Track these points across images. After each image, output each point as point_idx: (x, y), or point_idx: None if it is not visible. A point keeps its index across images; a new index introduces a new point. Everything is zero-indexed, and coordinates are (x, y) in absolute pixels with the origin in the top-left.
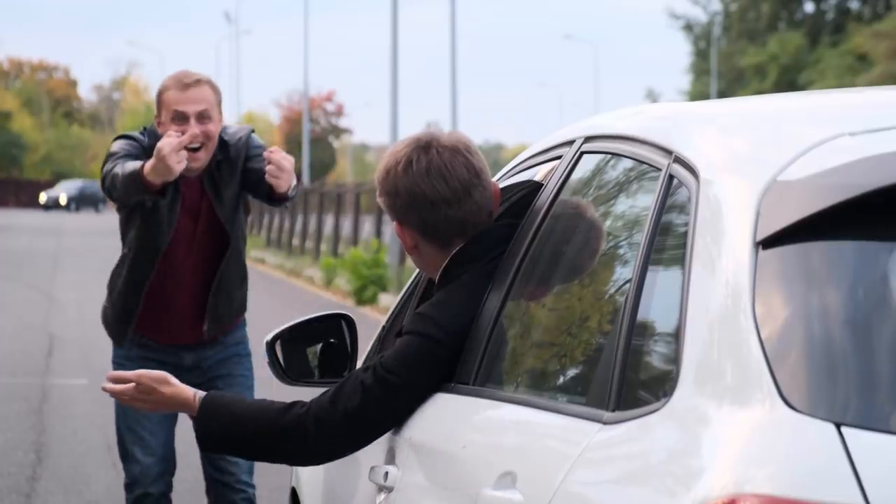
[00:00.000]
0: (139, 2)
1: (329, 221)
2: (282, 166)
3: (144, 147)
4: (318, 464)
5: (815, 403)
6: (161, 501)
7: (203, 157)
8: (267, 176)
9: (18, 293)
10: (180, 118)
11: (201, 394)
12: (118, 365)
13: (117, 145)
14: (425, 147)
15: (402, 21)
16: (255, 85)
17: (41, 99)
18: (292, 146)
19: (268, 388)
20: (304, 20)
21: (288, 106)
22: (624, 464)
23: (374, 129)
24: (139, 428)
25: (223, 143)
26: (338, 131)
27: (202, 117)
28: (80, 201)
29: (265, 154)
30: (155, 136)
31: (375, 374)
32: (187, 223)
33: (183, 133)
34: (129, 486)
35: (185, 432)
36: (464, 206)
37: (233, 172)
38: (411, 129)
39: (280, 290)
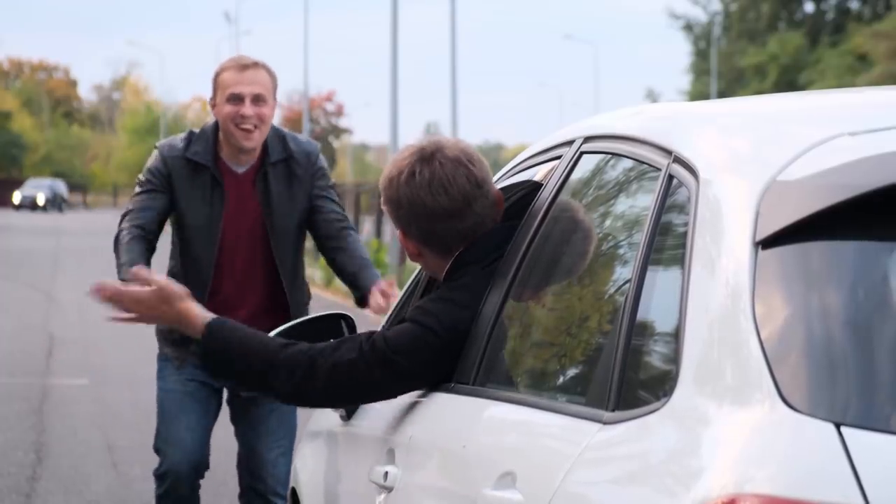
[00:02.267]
0: (139, 2)
1: None
2: (388, 306)
3: (168, 176)
4: (296, 403)
5: (815, 403)
6: (191, 497)
7: (257, 138)
8: (372, 306)
9: (18, 293)
10: (236, 99)
11: (210, 316)
12: (162, 362)
13: (134, 200)
14: (428, 158)
15: (402, 21)
16: None
17: (41, 99)
18: None
19: None
20: (304, 20)
21: (288, 106)
22: (624, 464)
23: (374, 129)
24: (177, 422)
25: (285, 145)
26: (338, 131)
27: (257, 100)
28: (52, 202)
29: (381, 288)
30: (203, 140)
31: (374, 342)
32: (236, 222)
33: (237, 113)
34: (161, 477)
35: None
36: (466, 218)
37: (290, 180)
38: (411, 128)
39: None
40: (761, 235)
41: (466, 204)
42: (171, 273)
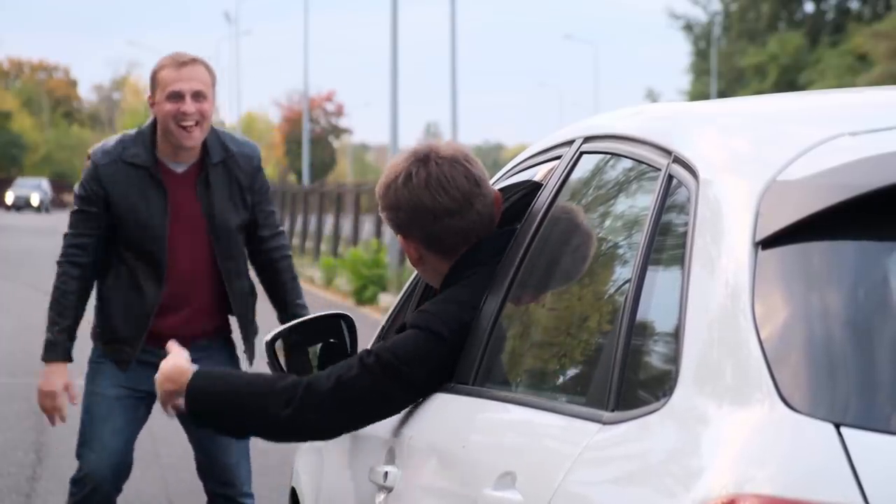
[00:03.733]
0: (139, 2)
1: (329, 221)
2: None
3: (102, 189)
4: (296, 436)
5: (815, 404)
6: (108, 502)
7: (197, 136)
8: None
9: (18, 293)
10: (176, 97)
11: (191, 369)
12: (96, 364)
13: (72, 220)
14: (424, 159)
15: (402, 21)
16: (255, 85)
17: (41, 99)
18: (292, 146)
19: None
20: (304, 20)
21: (288, 106)
22: (624, 464)
23: (374, 129)
24: (102, 427)
25: (225, 146)
26: (338, 131)
27: (197, 96)
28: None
29: None
30: (141, 141)
31: (378, 356)
32: (178, 223)
33: (178, 110)
34: (78, 481)
35: (179, 436)
36: (466, 216)
37: (230, 182)
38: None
39: None
40: (761, 235)
41: (466, 202)
42: (115, 277)
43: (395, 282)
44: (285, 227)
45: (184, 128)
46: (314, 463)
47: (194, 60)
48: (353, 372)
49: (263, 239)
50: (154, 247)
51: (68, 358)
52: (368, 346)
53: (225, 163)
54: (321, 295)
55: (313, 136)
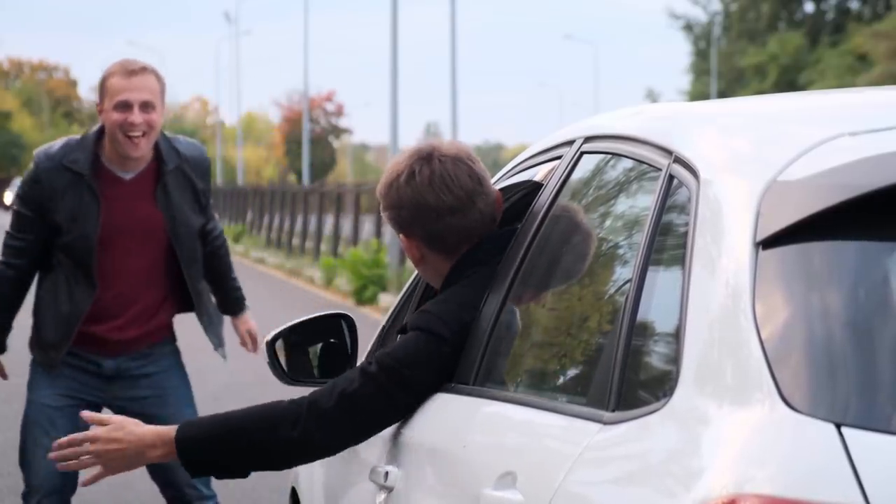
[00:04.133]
0: (139, 2)
1: (329, 221)
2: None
3: (42, 191)
4: (307, 457)
5: (816, 404)
6: None
7: (144, 146)
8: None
9: None
10: (124, 106)
11: (171, 430)
12: (33, 372)
13: (13, 221)
14: (427, 157)
15: (402, 21)
16: (255, 85)
17: (41, 99)
18: (292, 146)
19: (263, 388)
20: (304, 20)
21: (288, 106)
22: (624, 464)
23: (374, 129)
24: (44, 436)
25: (177, 151)
26: (338, 131)
27: (146, 106)
28: None
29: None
30: (84, 147)
31: (380, 363)
32: (119, 229)
33: (125, 120)
34: (26, 496)
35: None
36: (468, 215)
37: (186, 185)
38: (411, 128)
39: (280, 290)
40: (762, 235)
41: (470, 200)
42: (51, 282)
43: (395, 282)
44: (286, 227)
45: (130, 138)
46: (314, 463)
47: (144, 69)
48: (357, 383)
49: (208, 231)
50: (84, 253)
51: (2, 348)
52: (368, 348)
53: (180, 168)
54: (321, 295)
55: (313, 136)
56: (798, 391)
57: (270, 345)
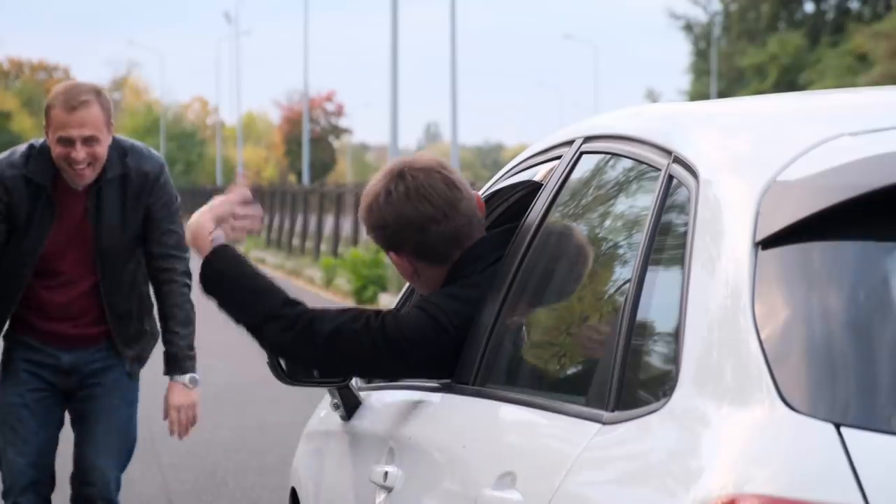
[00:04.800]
0: (139, 2)
1: (329, 221)
2: (181, 429)
3: (5, 197)
4: (284, 357)
5: (815, 404)
6: None
7: (89, 175)
8: (170, 428)
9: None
10: (66, 142)
11: (220, 239)
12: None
13: None
14: (400, 174)
15: (402, 21)
16: (255, 85)
17: (41, 99)
18: (292, 146)
19: (262, 386)
20: (304, 20)
21: (288, 106)
22: (624, 464)
23: (374, 129)
24: (13, 434)
25: (123, 162)
26: (338, 131)
27: (88, 140)
28: None
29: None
30: (43, 158)
31: (385, 324)
32: (65, 237)
33: (68, 155)
34: (4, 494)
35: (176, 440)
36: (452, 221)
37: (123, 197)
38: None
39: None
40: (761, 236)
41: (450, 206)
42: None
43: (395, 282)
44: (286, 227)
45: (75, 169)
46: (314, 463)
47: (85, 102)
48: (357, 325)
49: (153, 256)
50: (24, 263)
51: None
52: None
53: (122, 178)
54: (321, 295)
55: (313, 136)
56: (798, 391)
57: None
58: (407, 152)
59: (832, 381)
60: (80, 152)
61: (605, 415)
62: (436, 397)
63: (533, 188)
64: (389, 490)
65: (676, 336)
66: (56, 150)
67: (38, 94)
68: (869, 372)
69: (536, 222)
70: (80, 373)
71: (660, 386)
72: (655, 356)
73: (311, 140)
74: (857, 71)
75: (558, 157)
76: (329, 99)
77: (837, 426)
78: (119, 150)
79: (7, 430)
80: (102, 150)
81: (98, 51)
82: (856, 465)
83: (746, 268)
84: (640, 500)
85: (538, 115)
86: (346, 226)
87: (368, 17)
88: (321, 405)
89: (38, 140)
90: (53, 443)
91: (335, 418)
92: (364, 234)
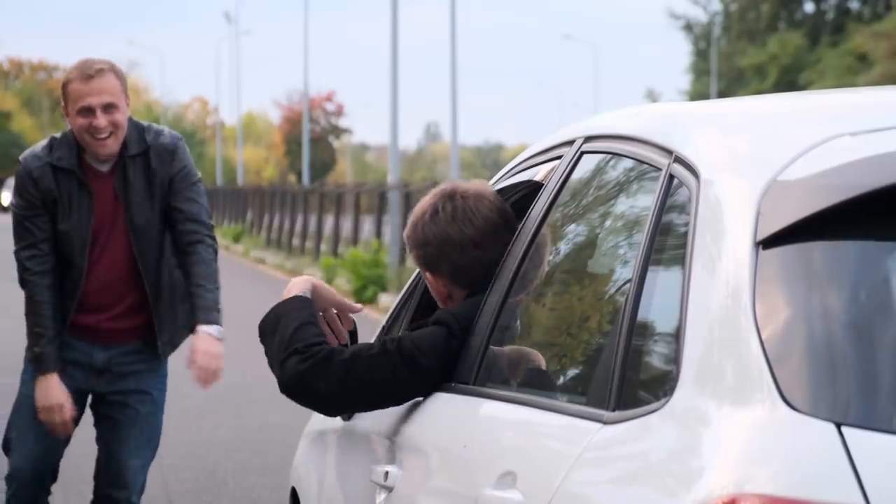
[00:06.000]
0: (139, 2)
1: (329, 221)
2: (206, 376)
3: (38, 189)
4: (301, 396)
5: (816, 403)
6: (36, 502)
7: (112, 145)
8: (194, 375)
9: (18, 293)
10: (86, 112)
11: (306, 294)
12: (28, 366)
13: (20, 231)
14: (450, 195)
15: (402, 21)
16: (255, 85)
17: (41, 99)
18: (292, 146)
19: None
20: (304, 20)
21: (288, 106)
22: (624, 464)
23: (374, 129)
24: (28, 430)
25: (143, 138)
26: (338, 131)
27: (108, 108)
28: None
29: (194, 362)
30: (66, 144)
31: (400, 344)
32: (100, 218)
33: (90, 125)
34: (7, 479)
35: (179, 436)
36: (492, 249)
37: (148, 174)
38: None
39: (280, 291)
40: (762, 235)
41: (493, 232)
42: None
43: (395, 282)
44: (286, 227)
45: (98, 140)
46: (315, 463)
47: (101, 70)
48: (373, 351)
49: (178, 222)
50: (79, 245)
51: (60, 368)
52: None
53: (144, 155)
54: None
55: (313, 136)
56: (798, 391)
57: None
58: (407, 152)
59: (833, 381)
60: (101, 119)
61: (606, 414)
62: (436, 397)
63: (533, 188)
64: (389, 490)
65: (677, 336)
66: (78, 123)
67: (38, 94)
68: (869, 371)
69: (537, 222)
70: (113, 373)
71: (660, 386)
72: (656, 356)
73: (311, 140)
74: (857, 71)
75: (559, 157)
76: (329, 99)
77: (838, 426)
78: (137, 129)
79: (20, 422)
80: (122, 117)
81: (98, 51)
82: (856, 464)
83: (747, 267)
84: (640, 499)
85: (538, 115)
86: (346, 226)
87: (368, 17)
88: None
89: (58, 133)
90: (66, 442)
91: (335, 418)
92: (364, 234)
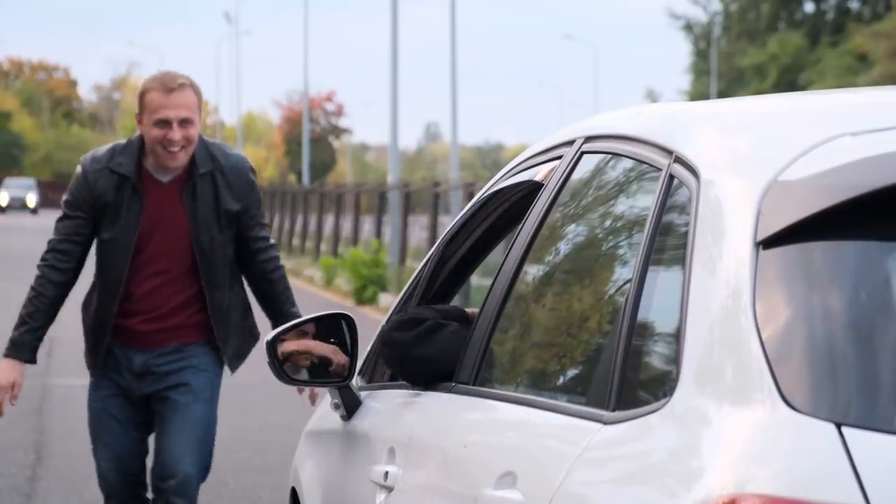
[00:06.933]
0: (139, 2)
1: (329, 221)
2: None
3: (91, 194)
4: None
5: (816, 403)
6: None
7: (182, 158)
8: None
9: (18, 293)
10: (163, 124)
11: None
12: (91, 376)
13: (59, 227)
14: None
15: (402, 21)
16: (255, 85)
17: (41, 99)
18: (292, 146)
19: (261, 388)
20: (303, 20)
21: (288, 106)
22: (624, 464)
23: (374, 129)
24: (98, 439)
25: (213, 157)
26: (338, 131)
27: (184, 122)
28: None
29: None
30: (129, 151)
31: None
32: (150, 226)
33: (165, 136)
34: (100, 487)
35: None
36: None
37: (216, 192)
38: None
39: None
40: (762, 235)
41: None
42: (92, 287)
43: (395, 282)
44: (286, 227)
45: (170, 152)
46: (314, 463)
47: (182, 85)
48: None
49: (254, 252)
50: (119, 255)
51: (30, 359)
52: (368, 348)
53: (212, 174)
54: (321, 295)
55: (313, 136)
56: (799, 391)
57: (270, 344)
58: (407, 152)
59: (833, 381)
60: (176, 133)
61: (606, 415)
62: (436, 397)
63: (533, 188)
64: (389, 490)
65: (677, 336)
66: (152, 134)
67: (38, 94)
68: (870, 372)
69: (537, 222)
70: (153, 374)
71: (660, 386)
72: (656, 356)
73: (311, 140)
74: (857, 71)
75: (559, 157)
76: (329, 99)
77: (838, 426)
78: (205, 146)
79: (95, 435)
80: (195, 133)
81: (98, 51)
82: (857, 464)
83: (747, 267)
84: (640, 499)
85: (538, 115)
86: (346, 226)
87: (368, 17)
88: (321, 405)
89: (121, 142)
90: (137, 446)
91: (335, 418)
92: (364, 234)
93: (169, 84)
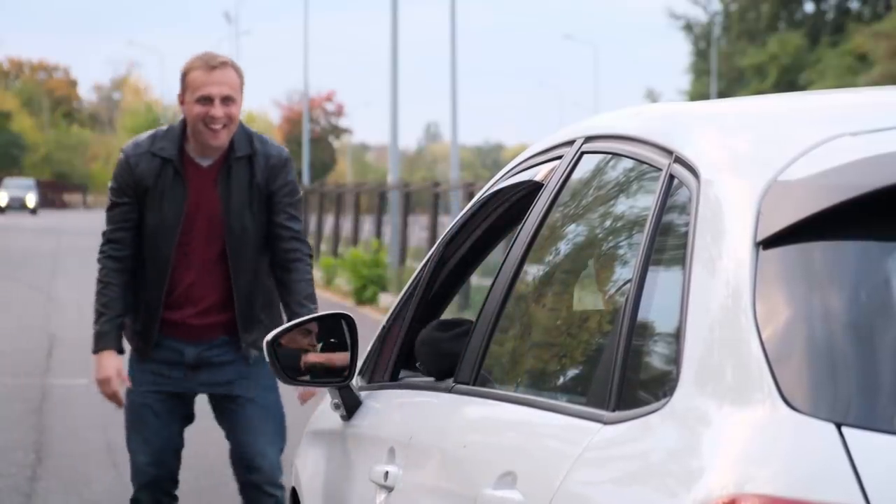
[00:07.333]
0: (139, 2)
1: (329, 221)
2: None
3: (134, 179)
4: None
5: (816, 404)
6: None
7: (224, 137)
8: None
9: (18, 293)
10: (205, 100)
11: None
12: (130, 367)
13: (110, 216)
14: None
15: (402, 20)
16: (255, 85)
17: (41, 99)
18: (292, 146)
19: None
20: (303, 20)
21: (288, 106)
22: (624, 464)
23: (374, 129)
24: (136, 434)
25: (251, 143)
26: (338, 131)
27: (226, 100)
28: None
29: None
30: (171, 136)
31: None
32: (193, 211)
33: (207, 113)
34: (132, 482)
35: (187, 435)
36: None
37: (251, 178)
38: (411, 128)
39: None
40: (762, 235)
41: None
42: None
43: (395, 282)
44: None
45: (211, 129)
46: (314, 463)
47: (224, 63)
48: None
49: (275, 237)
50: (164, 239)
51: (118, 347)
52: (368, 348)
53: (249, 158)
54: (321, 295)
55: (313, 136)
56: (799, 391)
57: (270, 344)
58: (407, 152)
59: (833, 381)
60: (218, 110)
61: (606, 415)
62: (436, 397)
63: (533, 188)
64: (389, 490)
65: (677, 336)
66: (195, 111)
67: (38, 94)
68: (870, 372)
69: (537, 222)
70: (209, 366)
71: (660, 386)
72: (656, 356)
73: (311, 140)
74: (857, 71)
75: (559, 157)
76: (329, 99)
77: (838, 426)
78: (246, 132)
79: (132, 428)
80: (237, 111)
81: (98, 51)
82: (857, 464)
83: (747, 268)
84: (640, 499)
85: (538, 115)
86: (346, 226)
87: (368, 17)
88: (321, 405)
89: (162, 128)
90: (175, 442)
91: (335, 418)
92: (364, 234)
93: (211, 62)
